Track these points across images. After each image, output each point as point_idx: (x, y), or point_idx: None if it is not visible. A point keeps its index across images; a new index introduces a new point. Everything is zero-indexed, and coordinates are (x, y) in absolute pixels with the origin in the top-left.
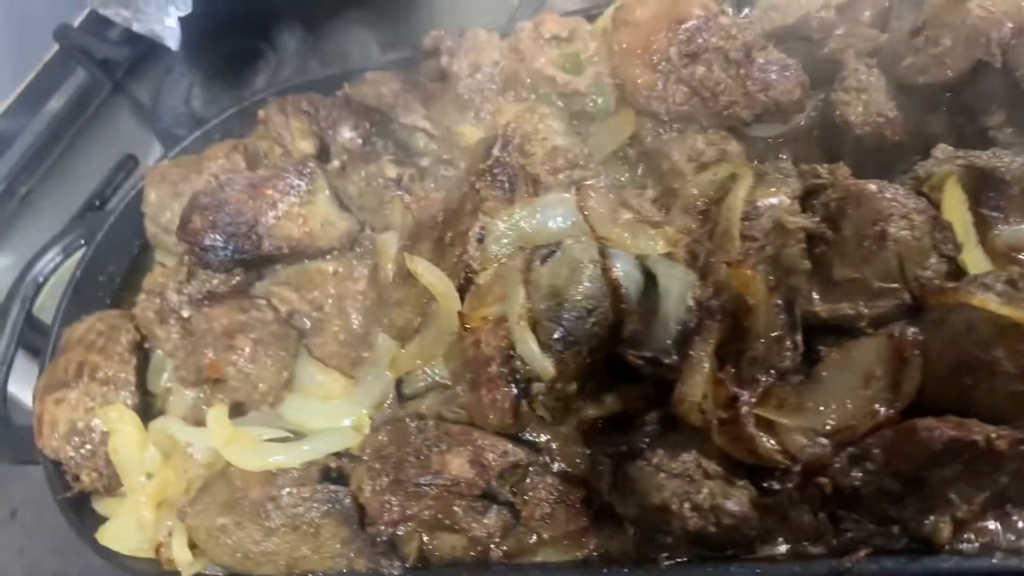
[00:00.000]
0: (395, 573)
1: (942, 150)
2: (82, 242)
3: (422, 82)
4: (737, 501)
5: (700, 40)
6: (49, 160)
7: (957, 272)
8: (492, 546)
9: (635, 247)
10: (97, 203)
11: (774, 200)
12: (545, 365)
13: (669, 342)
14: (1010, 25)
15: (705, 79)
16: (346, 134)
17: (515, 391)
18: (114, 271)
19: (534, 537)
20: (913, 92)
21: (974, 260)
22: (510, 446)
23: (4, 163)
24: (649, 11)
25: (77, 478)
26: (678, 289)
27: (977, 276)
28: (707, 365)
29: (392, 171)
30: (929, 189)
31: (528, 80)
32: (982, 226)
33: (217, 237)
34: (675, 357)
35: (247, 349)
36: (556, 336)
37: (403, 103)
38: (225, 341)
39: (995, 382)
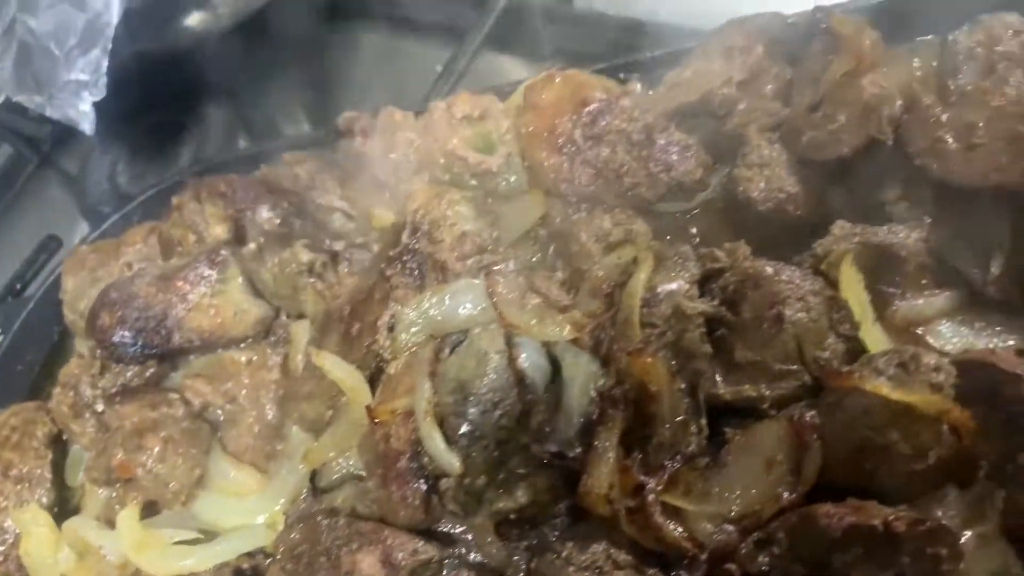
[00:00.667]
0: None
1: (840, 227)
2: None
3: (340, 161)
4: None
5: (603, 122)
6: None
7: (856, 351)
8: None
9: (542, 334)
10: (18, 286)
11: (673, 285)
12: (451, 461)
13: (572, 433)
14: (900, 102)
15: (609, 161)
16: (264, 214)
17: (424, 487)
18: (33, 360)
19: None
20: (814, 167)
21: (872, 338)
22: (420, 544)
23: None
24: (554, 94)
25: None
26: (581, 379)
27: (872, 358)
28: (611, 456)
29: (305, 256)
30: (827, 267)
31: (442, 160)
32: (880, 302)
33: (126, 333)
34: (579, 449)
35: (156, 449)
36: (463, 431)
37: (320, 183)
38: (135, 440)
39: (893, 463)
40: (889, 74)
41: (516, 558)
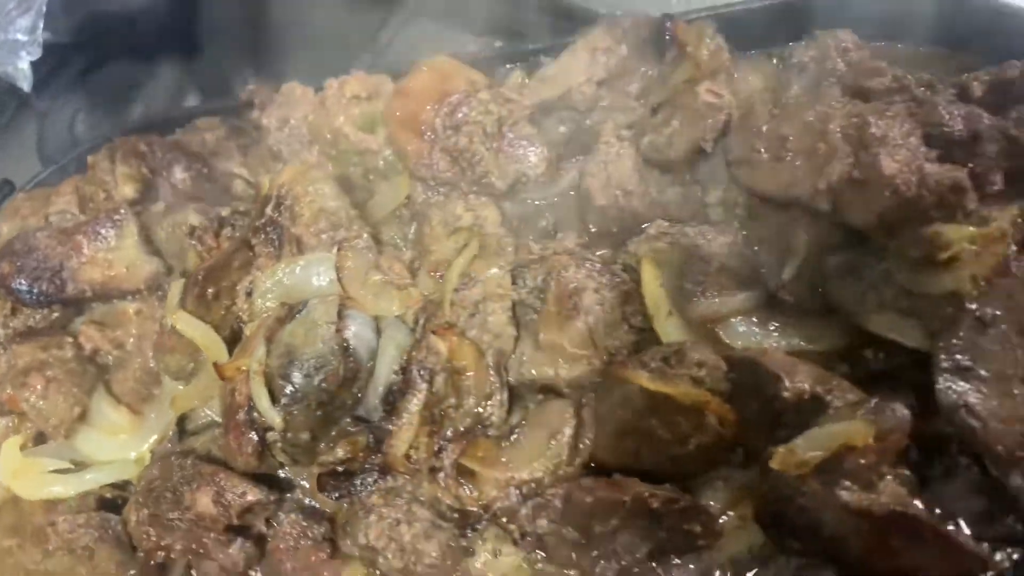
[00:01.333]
0: None
1: (656, 226)
2: None
3: (248, 130)
4: (437, 543)
5: (461, 114)
6: None
7: (652, 341)
8: (250, 572)
9: (375, 308)
10: None
11: (489, 272)
12: (274, 417)
13: (377, 400)
14: (726, 112)
15: (465, 150)
16: (178, 175)
17: (255, 438)
18: None
19: (288, 565)
20: (654, 167)
21: (665, 331)
22: (249, 487)
23: None
24: (421, 83)
25: None
26: (392, 351)
27: (651, 351)
28: (414, 422)
29: (194, 219)
30: (636, 263)
31: (329, 136)
32: (683, 299)
33: (23, 281)
34: (381, 414)
35: (39, 387)
36: (287, 391)
37: (224, 150)
38: (21, 378)
39: (655, 446)
40: (732, 83)
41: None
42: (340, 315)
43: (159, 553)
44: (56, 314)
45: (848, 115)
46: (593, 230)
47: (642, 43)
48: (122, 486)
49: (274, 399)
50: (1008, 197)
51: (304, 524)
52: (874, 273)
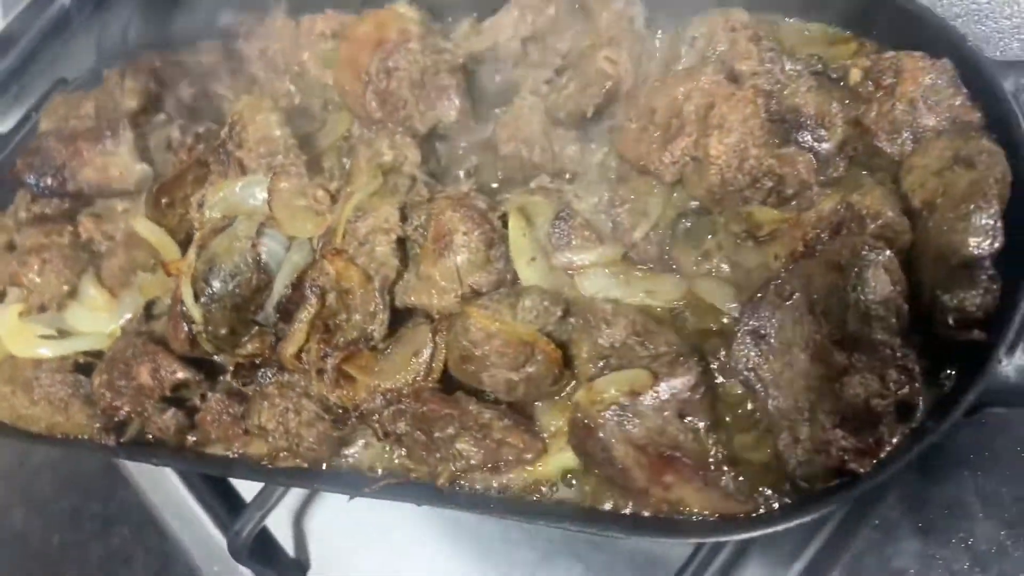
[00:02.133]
0: (111, 443)
1: (539, 180)
2: None
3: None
4: (315, 431)
5: (391, 62)
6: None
7: (512, 282)
8: (189, 436)
9: (292, 229)
10: (34, 114)
11: (380, 208)
12: (193, 314)
13: (271, 309)
14: (609, 85)
15: (393, 93)
16: (184, 91)
17: (186, 328)
18: None
19: (212, 435)
20: (557, 124)
21: (525, 275)
22: (180, 367)
23: None
24: (363, 30)
25: None
26: (288, 269)
27: (498, 292)
28: (303, 330)
29: (175, 134)
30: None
31: (297, 68)
32: (550, 248)
33: (31, 176)
34: (274, 320)
35: (36, 266)
36: (206, 293)
37: (216, 73)
38: (24, 257)
39: (492, 371)
40: (629, 51)
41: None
42: (259, 232)
43: (113, 411)
44: (66, 205)
45: (703, 94)
46: (500, 176)
47: (573, 4)
48: (96, 354)
49: (198, 298)
50: (848, 183)
51: (227, 402)
52: (708, 243)
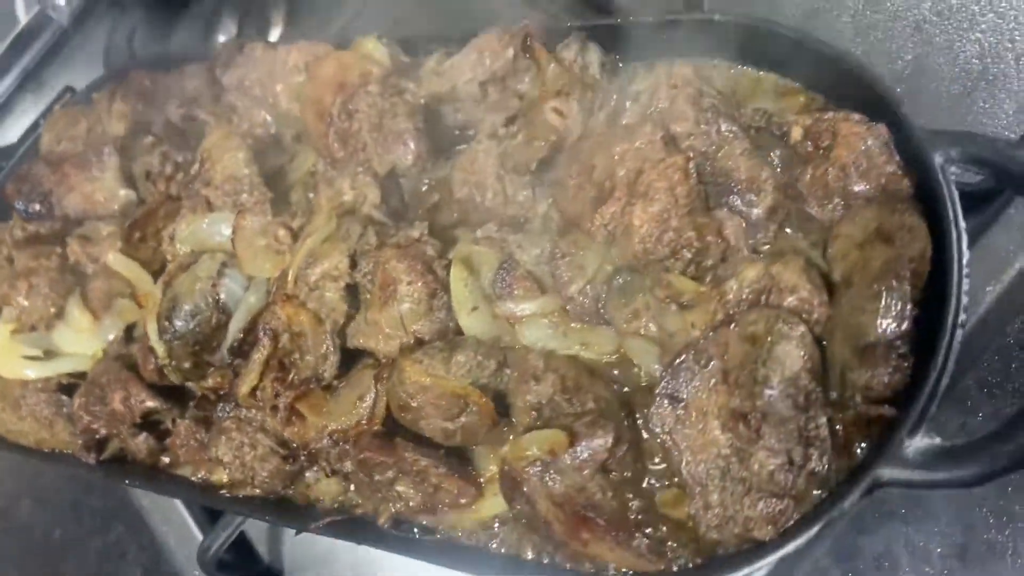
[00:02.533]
0: (91, 461)
1: (484, 230)
2: None
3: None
4: (269, 466)
5: (351, 104)
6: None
7: (456, 330)
8: (163, 457)
9: (252, 269)
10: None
11: (332, 254)
12: (158, 348)
13: (226, 350)
14: (553, 139)
15: (353, 135)
16: (173, 113)
17: (154, 361)
18: None
19: (181, 458)
20: (509, 169)
21: (466, 324)
22: (150, 396)
23: None
24: (327, 71)
25: None
26: (244, 311)
27: (434, 344)
28: (255, 369)
29: (156, 162)
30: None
31: (270, 101)
32: (495, 297)
33: (20, 202)
34: (228, 361)
35: (24, 289)
36: (169, 330)
37: (201, 98)
38: (12, 281)
39: (429, 420)
40: (580, 102)
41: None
42: (220, 272)
43: (92, 432)
44: (57, 225)
45: (636, 158)
46: (455, 216)
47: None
48: (81, 375)
49: (162, 334)
50: (776, 248)
51: (194, 429)
52: (639, 301)
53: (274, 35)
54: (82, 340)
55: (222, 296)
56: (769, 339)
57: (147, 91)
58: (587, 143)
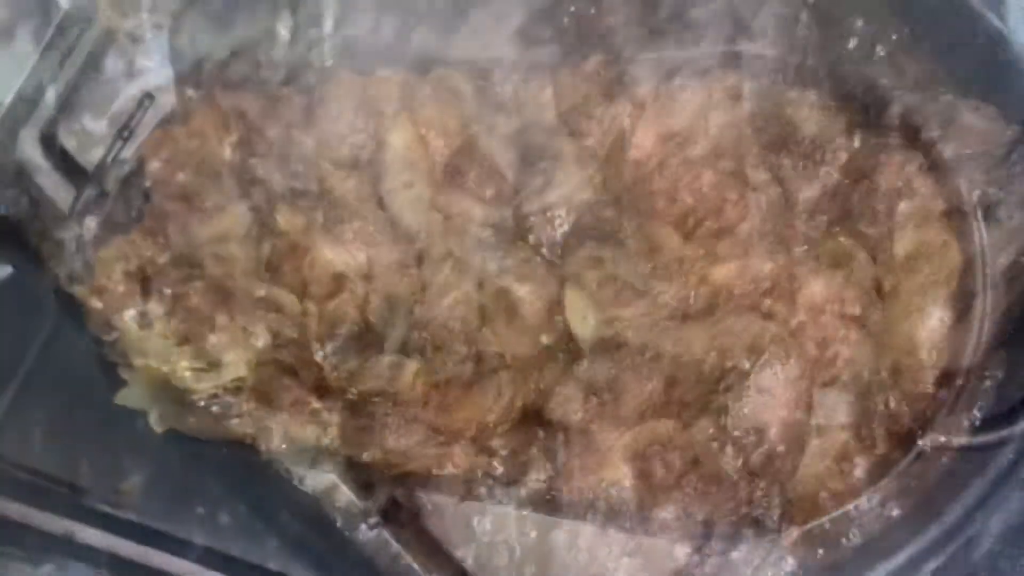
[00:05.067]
0: None
1: None
2: None
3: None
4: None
5: None
6: None
7: None
8: None
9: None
10: (125, 134)
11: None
12: (318, 358)
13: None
14: None
15: None
16: (271, 134)
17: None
18: None
19: None
20: None
21: None
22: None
23: None
24: None
25: None
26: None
27: None
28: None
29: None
30: None
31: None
32: None
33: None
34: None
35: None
36: (327, 348)
37: (298, 123)
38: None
39: None
40: None
41: None
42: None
43: None
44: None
45: None
46: None
47: None
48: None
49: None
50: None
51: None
52: None
53: (327, 26)
54: (236, 350)
55: (371, 317)
56: None
57: (244, 113)
58: None
